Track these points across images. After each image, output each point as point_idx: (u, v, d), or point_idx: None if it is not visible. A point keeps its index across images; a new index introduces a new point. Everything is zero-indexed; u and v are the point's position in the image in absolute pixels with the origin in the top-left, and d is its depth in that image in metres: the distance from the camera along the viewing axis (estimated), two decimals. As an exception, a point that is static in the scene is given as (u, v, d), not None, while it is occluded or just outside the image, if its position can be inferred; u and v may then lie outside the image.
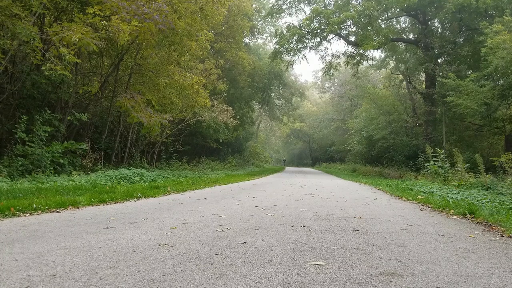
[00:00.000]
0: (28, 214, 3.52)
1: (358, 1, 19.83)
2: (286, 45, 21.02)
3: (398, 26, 22.28)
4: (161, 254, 2.09)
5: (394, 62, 25.04)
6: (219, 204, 4.78)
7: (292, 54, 22.27)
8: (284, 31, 21.20)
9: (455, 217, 4.00)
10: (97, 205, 4.40)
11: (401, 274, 1.80)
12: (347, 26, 20.37)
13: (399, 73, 25.35)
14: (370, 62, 25.26)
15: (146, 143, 13.40)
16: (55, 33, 6.94)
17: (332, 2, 20.74)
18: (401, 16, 21.34)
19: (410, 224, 3.42)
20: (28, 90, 8.14)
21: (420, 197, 6.01)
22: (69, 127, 9.10)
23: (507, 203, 4.77)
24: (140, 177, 8.28)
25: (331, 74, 24.01)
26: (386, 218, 3.78)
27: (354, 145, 26.95)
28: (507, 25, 12.26)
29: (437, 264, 2.01)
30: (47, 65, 6.91)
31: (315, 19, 19.87)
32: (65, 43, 7.09)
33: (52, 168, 7.33)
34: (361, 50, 20.22)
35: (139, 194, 5.47)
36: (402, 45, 22.48)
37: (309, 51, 22.62)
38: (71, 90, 9.30)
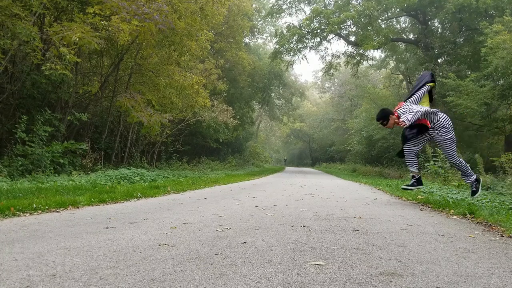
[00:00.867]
0: (28, 214, 3.52)
1: (358, 1, 19.83)
2: (286, 45, 21.01)
3: (398, 26, 22.27)
4: (161, 254, 2.09)
5: (394, 62, 25.04)
6: (219, 204, 4.78)
7: (292, 54, 22.28)
8: (284, 31, 21.20)
9: (455, 217, 4.00)
10: (97, 205, 4.41)
11: (401, 274, 1.80)
12: (347, 26, 20.37)
13: (399, 73, 25.35)
14: (370, 62, 25.26)
15: (146, 143, 13.41)
16: (55, 33, 6.94)
17: (332, 2, 20.73)
18: (401, 16, 21.33)
19: (410, 224, 3.42)
20: (28, 90, 8.13)
21: (420, 197, 6.01)
22: (69, 127, 9.10)
23: (507, 203, 4.76)
24: (140, 177, 8.28)
25: (331, 74, 24.01)
26: (386, 218, 3.78)
27: (354, 145, 26.94)
28: (507, 25, 12.26)
29: (437, 264, 2.01)
30: (48, 64, 6.92)
31: (315, 19, 19.87)
32: (65, 43, 7.09)
33: (52, 168, 7.33)
34: (361, 50, 20.23)
35: (139, 194, 5.47)
36: (402, 45, 22.48)
37: (309, 51, 22.64)
38: (71, 90, 9.30)
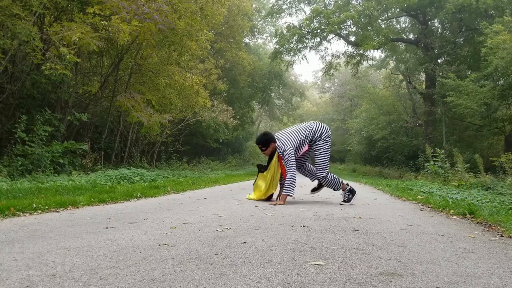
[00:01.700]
0: (28, 214, 3.52)
1: (358, 1, 19.83)
2: (286, 45, 21.01)
3: (398, 26, 22.28)
4: (161, 254, 2.09)
5: (394, 62, 25.04)
6: (219, 204, 4.78)
7: (292, 54, 22.27)
8: (284, 31, 21.19)
9: (455, 217, 4.00)
10: (97, 205, 4.40)
11: (401, 274, 1.80)
12: (347, 26, 20.37)
13: (399, 73, 25.35)
14: (370, 62, 25.25)
15: (146, 143, 13.41)
16: (55, 33, 6.94)
17: (332, 2, 20.74)
18: (401, 16, 21.34)
19: (410, 224, 3.42)
20: (28, 89, 8.13)
21: (420, 197, 6.01)
22: (69, 127, 9.10)
23: (507, 203, 4.77)
24: (140, 177, 8.28)
25: (331, 74, 24.00)
26: (386, 218, 3.78)
27: (354, 145, 26.95)
28: (507, 25, 12.26)
29: (437, 264, 2.01)
30: (48, 64, 6.92)
31: (315, 19, 19.87)
32: (65, 43, 7.10)
33: (52, 168, 7.33)
34: (361, 50, 20.22)
35: (139, 194, 5.47)
36: (402, 45, 22.48)
37: (309, 51, 22.63)
38: (71, 90, 9.30)
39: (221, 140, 19.01)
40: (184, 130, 16.04)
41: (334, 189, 5.23)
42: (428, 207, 4.95)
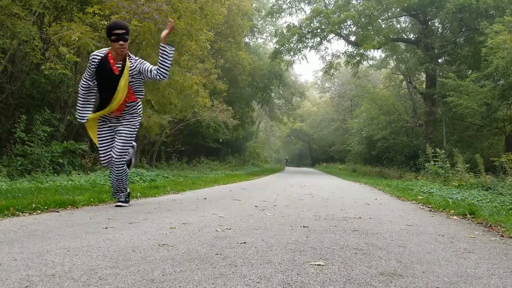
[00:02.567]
0: (27, 213, 3.52)
1: (359, 1, 19.83)
2: (286, 45, 21.01)
3: (398, 26, 22.27)
4: (161, 254, 2.08)
5: (395, 62, 25.03)
6: (219, 204, 4.78)
7: (292, 54, 22.27)
8: (284, 31, 21.19)
9: (455, 217, 3.99)
10: (97, 204, 4.40)
11: (401, 275, 1.79)
12: (347, 26, 20.37)
13: (399, 73, 25.34)
14: (370, 62, 25.23)
15: (146, 143, 13.40)
16: (55, 33, 6.94)
17: (332, 1, 20.73)
18: (402, 16, 21.33)
19: (410, 224, 3.42)
20: (28, 89, 8.13)
21: (420, 197, 6.01)
22: (69, 126, 9.09)
23: (508, 204, 4.76)
24: (139, 176, 8.28)
25: (331, 74, 24.00)
26: (386, 218, 3.77)
27: (354, 145, 26.93)
28: (508, 25, 12.26)
29: (437, 264, 2.01)
30: (47, 64, 6.91)
31: (315, 19, 19.87)
32: (64, 43, 7.09)
33: (51, 168, 7.32)
34: (362, 50, 20.20)
35: (138, 194, 5.46)
36: (402, 45, 22.47)
37: (309, 51, 22.63)
38: (70, 89, 9.29)
39: (221, 140, 19.00)
40: (184, 130, 16.02)
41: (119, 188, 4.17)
42: (428, 207, 4.95)
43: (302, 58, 32.66)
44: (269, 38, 34.50)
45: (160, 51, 3.86)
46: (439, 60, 18.65)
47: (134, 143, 4.24)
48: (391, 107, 22.09)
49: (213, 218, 3.49)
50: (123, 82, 3.80)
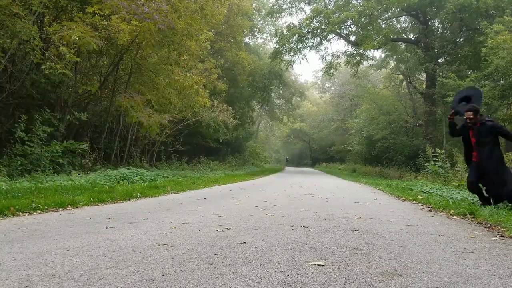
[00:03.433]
0: (27, 213, 3.52)
1: (359, 1, 19.83)
2: (286, 45, 21.00)
3: (398, 26, 22.27)
4: (161, 254, 2.08)
5: (395, 62, 25.03)
6: (219, 204, 4.78)
7: (292, 53, 22.25)
8: (284, 31, 21.18)
9: (455, 217, 3.99)
10: (97, 204, 4.40)
11: (401, 275, 1.79)
12: (347, 26, 20.37)
13: (399, 73, 25.35)
14: (370, 62, 25.23)
15: (146, 143, 13.40)
16: (55, 32, 6.93)
17: (332, 1, 20.74)
18: (402, 16, 21.33)
19: (410, 224, 3.42)
20: (28, 89, 8.13)
21: (420, 197, 6.00)
22: (69, 126, 9.09)
23: (508, 204, 4.75)
24: (139, 176, 8.27)
25: (331, 74, 23.98)
26: (386, 218, 3.77)
27: (354, 145, 26.91)
28: (508, 25, 12.26)
29: (437, 264, 2.01)
30: (47, 64, 6.91)
31: (315, 19, 19.87)
32: (64, 42, 7.08)
33: (51, 168, 7.32)
34: (362, 50, 20.19)
35: (138, 194, 5.46)
36: (402, 45, 22.47)
37: (309, 50, 22.61)
38: (70, 89, 9.28)
39: (221, 140, 18.99)
40: (184, 130, 16.02)
41: None
42: (428, 207, 4.95)
43: (302, 58, 32.68)
44: (269, 38, 34.52)
45: None
46: (439, 60, 18.64)
47: None
48: (391, 107, 22.09)
49: (213, 218, 3.49)
50: None
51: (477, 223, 3.58)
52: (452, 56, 17.52)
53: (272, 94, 33.67)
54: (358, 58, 22.26)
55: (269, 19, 27.19)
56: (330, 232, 2.90)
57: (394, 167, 18.66)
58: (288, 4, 22.79)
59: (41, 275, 1.66)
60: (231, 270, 1.80)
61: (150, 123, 9.45)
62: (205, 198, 5.43)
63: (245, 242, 2.43)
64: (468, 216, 3.93)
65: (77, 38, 6.64)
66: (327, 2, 21.08)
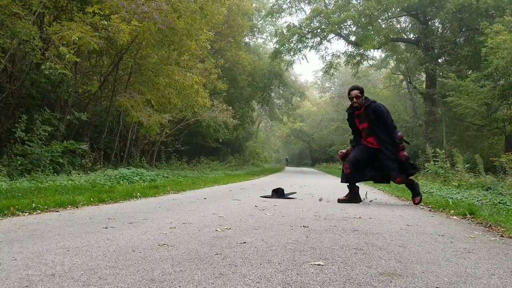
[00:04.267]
0: (27, 213, 3.52)
1: (359, 1, 19.84)
2: (286, 45, 21.01)
3: (398, 26, 22.29)
4: (161, 254, 2.08)
5: (395, 62, 25.04)
6: (219, 204, 4.78)
7: (292, 53, 22.27)
8: (284, 31, 21.20)
9: (455, 217, 3.99)
10: (97, 204, 4.40)
11: (401, 275, 1.79)
12: (347, 26, 20.38)
13: (399, 73, 25.37)
14: (371, 62, 25.23)
15: (146, 143, 13.40)
16: (55, 32, 6.94)
17: (332, 1, 20.74)
18: (402, 16, 21.35)
19: (410, 224, 3.42)
20: (28, 89, 8.13)
21: (420, 197, 5.99)
22: (69, 126, 9.09)
23: (508, 204, 4.76)
24: (139, 176, 8.27)
25: (331, 74, 24.00)
26: (386, 218, 3.77)
27: (354, 145, 26.85)
28: (508, 25, 12.26)
29: (437, 264, 2.01)
30: (47, 64, 6.91)
31: (315, 19, 19.88)
32: (64, 42, 7.08)
33: (51, 168, 7.32)
34: (362, 50, 20.21)
35: (138, 193, 5.46)
36: (402, 45, 22.49)
37: (309, 50, 22.64)
38: (70, 89, 9.29)
39: (221, 140, 18.99)
40: (184, 130, 16.02)
41: None
42: (428, 207, 4.95)
43: (302, 58, 32.71)
44: (269, 38, 34.54)
45: None
46: (439, 60, 18.65)
47: None
48: (391, 107, 22.11)
49: (213, 218, 3.49)
50: None
51: (477, 223, 3.58)
52: (452, 56, 17.53)
53: (272, 94, 33.67)
54: (358, 58, 22.28)
55: (269, 19, 27.20)
56: (330, 232, 2.90)
57: (394, 167, 18.62)
58: (288, 4, 22.81)
59: (41, 275, 1.66)
60: (231, 270, 1.80)
61: (150, 123, 9.45)
62: (205, 198, 5.44)
63: (245, 242, 2.43)
64: (468, 216, 3.93)
65: (77, 38, 6.64)
66: (327, 2, 21.08)
